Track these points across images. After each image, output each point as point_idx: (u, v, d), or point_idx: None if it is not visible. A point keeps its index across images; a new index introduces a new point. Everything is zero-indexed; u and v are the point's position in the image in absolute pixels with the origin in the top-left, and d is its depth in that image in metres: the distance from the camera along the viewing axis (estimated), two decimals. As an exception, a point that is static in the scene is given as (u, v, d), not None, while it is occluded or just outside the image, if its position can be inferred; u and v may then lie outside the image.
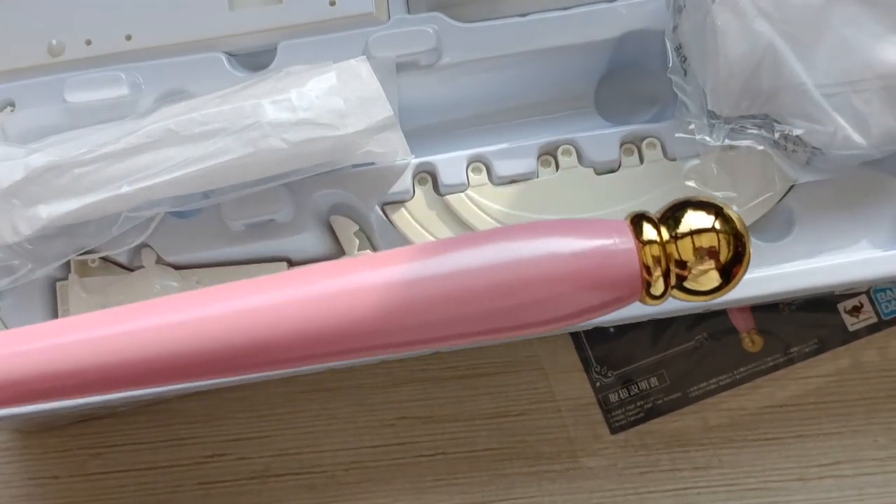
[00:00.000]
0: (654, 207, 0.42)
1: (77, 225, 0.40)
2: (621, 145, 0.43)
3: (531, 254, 0.27)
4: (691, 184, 0.38)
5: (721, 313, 0.50)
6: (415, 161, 0.43)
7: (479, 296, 0.26)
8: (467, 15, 0.45)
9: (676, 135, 0.39)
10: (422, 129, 0.46)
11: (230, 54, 0.44)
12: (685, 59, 0.40)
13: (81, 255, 0.41)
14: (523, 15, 0.44)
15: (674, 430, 0.49)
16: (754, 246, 0.41)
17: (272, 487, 0.49)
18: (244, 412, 0.50)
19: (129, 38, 0.44)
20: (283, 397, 0.50)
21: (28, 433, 0.51)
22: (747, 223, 0.41)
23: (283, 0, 0.44)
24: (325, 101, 0.39)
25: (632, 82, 0.46)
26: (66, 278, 0.43)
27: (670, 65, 0.40)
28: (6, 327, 0.42)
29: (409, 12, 0.45)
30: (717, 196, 0.38)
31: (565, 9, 0.44)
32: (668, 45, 0.40)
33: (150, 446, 0.50)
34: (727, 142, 0.38)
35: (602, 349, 0.50)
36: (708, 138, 0.38)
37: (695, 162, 0.38)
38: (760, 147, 0.38)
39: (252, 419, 0.50)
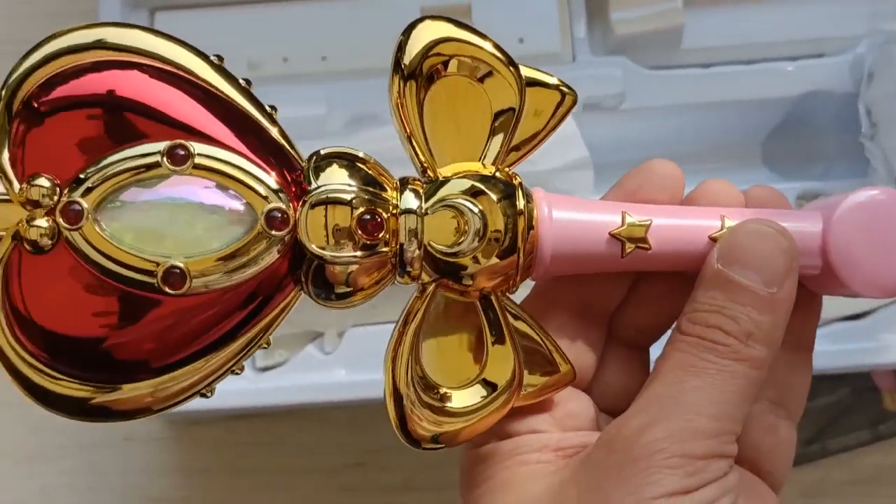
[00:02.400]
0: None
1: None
2: (796, 201, 0.44)
3: None
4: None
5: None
6: (592, 200, 0.44)
7: None
8: (648, 59, 0.46)
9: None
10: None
11: (420, 82, 0.46)
12: (874, 124, 0.41)
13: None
14: (706, 66, 0.46)
15: (811, 482, 0.49)
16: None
17: (410, 500, 0.51)
18: (388, 424, 0.52)
19: (324, 59, 0.47)
20: (428, 413, 0.52)
21: (181, 424, 0.53)
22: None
23: (474, 34, 0.46)
24: (523, 137, 0.41)
25: (802, 139, 0.47)
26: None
27: (862, 130, 0.41)
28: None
29: (592, 53, 0.46)
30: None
31: (748, 63, 0.46)
32: (861, 110, 0.41)
33: (297, 449, 0.52)
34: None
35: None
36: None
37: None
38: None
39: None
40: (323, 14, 0.47)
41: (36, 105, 0.22)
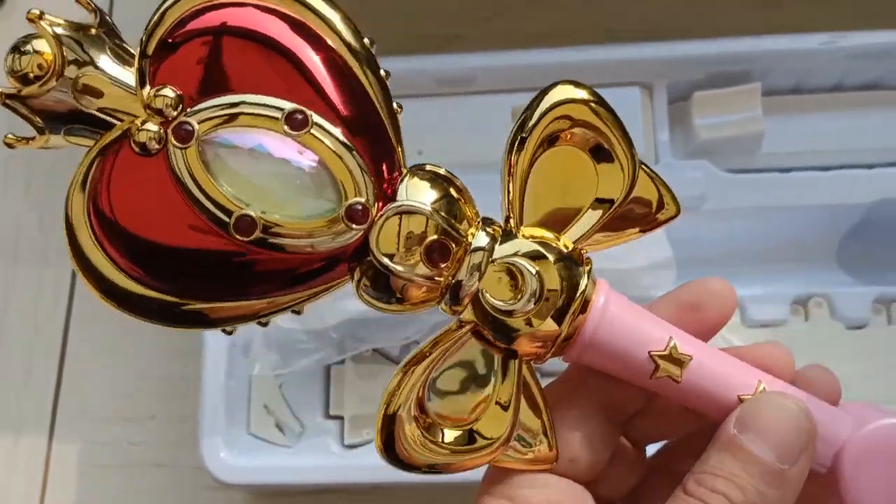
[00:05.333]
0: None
1: (373, 320, 0.44)
2: (872, 304, 0.45)
3: None
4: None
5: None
6: (671, 296, 0.46)
7: None
8: (729, 163, 0.48)
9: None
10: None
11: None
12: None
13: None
14: (785, 171, 0.48)
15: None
16: None
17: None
18: (463, 504, 0.53)
19: (420, 152, 0.49)
20: (502, 496, 0.53)
21: (265, 496, 0.54)
22: None
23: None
24: (610, 235, 0.43)
25: (877, 243, 0.49)
26: (342, 363, 0.47)
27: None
28: (286, 402, 0.46)
29: (674, 156, 0.49)
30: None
31: (825, 169, 0.48)
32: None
33: (376, 525, 0.53)
34: None
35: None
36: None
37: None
38: None
39: (468, 513, 0.53)
40: (420, 109, 0.50)
41: (171, 41, 0.23)
